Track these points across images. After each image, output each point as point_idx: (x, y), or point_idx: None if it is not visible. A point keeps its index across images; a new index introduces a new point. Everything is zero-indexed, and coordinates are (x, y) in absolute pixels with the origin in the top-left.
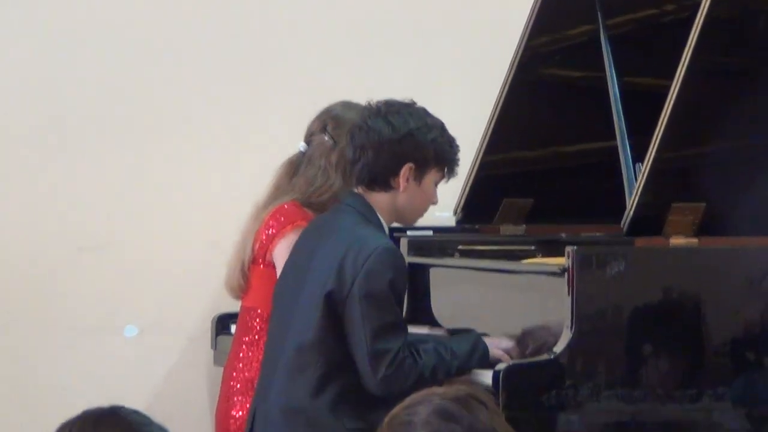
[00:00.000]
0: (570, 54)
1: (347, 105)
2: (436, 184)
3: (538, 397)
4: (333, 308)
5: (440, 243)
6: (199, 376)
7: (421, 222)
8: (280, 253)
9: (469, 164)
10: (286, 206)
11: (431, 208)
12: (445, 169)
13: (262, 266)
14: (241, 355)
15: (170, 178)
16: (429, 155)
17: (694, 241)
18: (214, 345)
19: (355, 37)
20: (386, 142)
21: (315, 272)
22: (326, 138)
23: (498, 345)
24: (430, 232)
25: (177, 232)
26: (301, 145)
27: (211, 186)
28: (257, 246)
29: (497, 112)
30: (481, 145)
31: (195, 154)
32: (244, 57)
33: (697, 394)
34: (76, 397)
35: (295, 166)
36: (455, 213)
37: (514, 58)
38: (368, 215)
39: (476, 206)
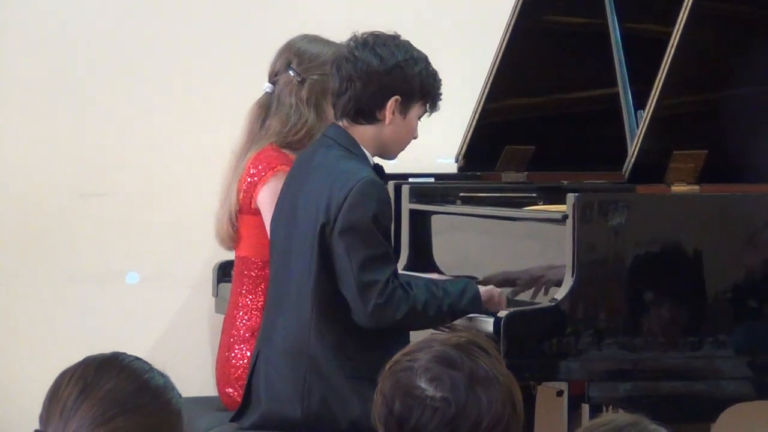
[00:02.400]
0: (571, 0)
1: (309, 38)
2: (419, 118)
3: (539, 344)
4: (324, 242)
5: (442, 190)
6: (201, 324)
7: (423, 169)
8: (264, 200)
9: (471, 111)
10: (264, 152)
11: (430, 153)
12: (428, 104)
13: (248, 215)
14: (240, 304)
15: (174, 127)
16: (415, 88)
17: (696, 188)
18: (216, 292)
19: None
20: (374, 73)
21: (304, 209)
22: (292, 75)
23: (489, 289)
24: (432, 179)
25: (179, 180)
26: (267, 86)
27: (215, 136)
28: (241, 195)
29: (498, 59)
30: (483, 92)
31: (200, 104)
32: (247, 11)
33: (698, 341)
34: (77, 344)
35: (265, 109)
36: (457, 160)
37: (516, 4)
38: (352, 148)
39: (478, 153)
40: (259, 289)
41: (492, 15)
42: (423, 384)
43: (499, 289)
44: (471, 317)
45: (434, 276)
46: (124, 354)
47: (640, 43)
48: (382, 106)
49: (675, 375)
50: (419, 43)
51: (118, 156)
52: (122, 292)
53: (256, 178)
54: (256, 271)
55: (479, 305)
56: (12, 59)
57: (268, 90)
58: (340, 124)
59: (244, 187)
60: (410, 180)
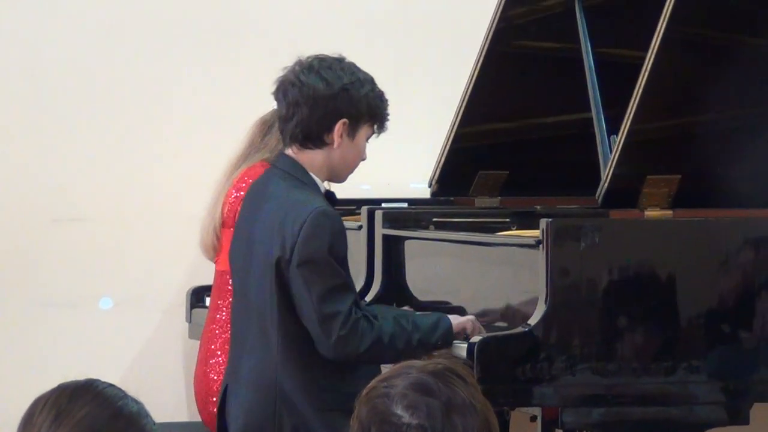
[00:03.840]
0: (545, 25)
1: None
2: (367, 140)
3: (512, 370)
4: (282, 276)
5: (415, 215)
6: (174, 349)
7: (396, 194)
8: None
9: (444, 136)
10: (253, 168)
11: (403, 178)
12: (376, 125)
13: (230, 229)
14: (217, 317)
15: (147, 152)
16: (362, 110)
17: (669, 213)
18: (189, 318)
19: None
20: (320, 97)
21: (259, 243)
22: None
23: (463, 322)
24: (405, 204)
25: (153, 205)
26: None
27: (187, 160)
28: (226, 209)
29: (472, 84)
30: (456, 117)
31: (173, 130)
32: (226, 35)
33: (671, 366)
34: (51, 370)
35: (268, 125)
36: (430, 185)
37: (489, 28)
38: (302, 177)
39: (451, 178)
40: None
41: (465, 39)
42: (399, 411)
43: (472, 319)
44: None
45: (406, 309)
46: (98, 381)
47: (614, 68)
48: (330, 129)
49: (649, 400)
50: (392, 68)
51: (91, 181)
52: (96, 318)
53: (241, 194)
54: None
55: (451, 339)
56: None
57: (275, 107)
58: (289, 151)
59: (230, 201)
60: (383, 205)
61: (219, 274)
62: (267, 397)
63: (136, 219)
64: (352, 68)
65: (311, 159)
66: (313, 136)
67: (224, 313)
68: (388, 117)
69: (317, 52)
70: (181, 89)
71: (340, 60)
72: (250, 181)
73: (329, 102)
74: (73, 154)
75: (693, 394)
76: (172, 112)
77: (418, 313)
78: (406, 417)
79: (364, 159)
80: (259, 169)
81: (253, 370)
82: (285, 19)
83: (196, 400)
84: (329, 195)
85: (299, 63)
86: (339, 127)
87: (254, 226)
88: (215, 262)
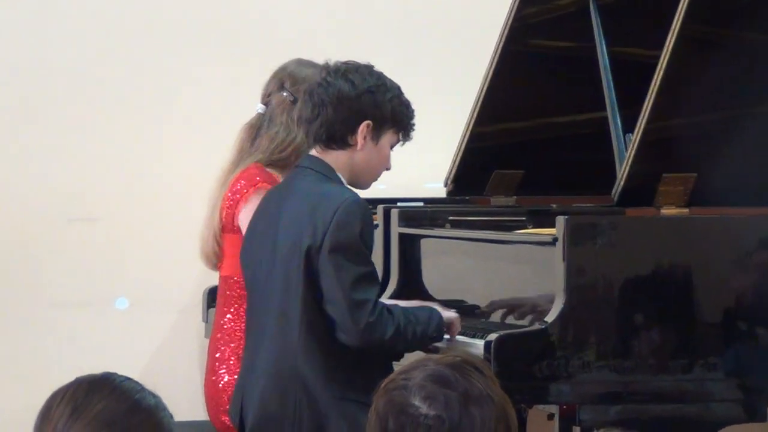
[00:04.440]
0: (559, 24)
1: (302, 62)
2: (391, 147)
3: (529, 367)
4: (311, 264)
5: (431, 213)
6: (190, 349)
7: (412, 194)
8: (245, 218)
9: (460, 136)
10: (247, 170)
11: (419, 178)
12: (401, 133)
13: (231, 233)
14: (224, 326)
15: (161, 152)
16: (386, 114)
17: (685, 210)
18: (206, 318)
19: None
20: (345, 98)
21: (285, 233)
22: (285, 95)
23: (451, 317)
24: (421, 203)
25: (168, 205)
26: (259, 107)
27: (202, 161)
28: (224, 213)
29: (487, 83)
30: (471, 117)
31: (188, 130)
32: (242, 36)
33: (688, 364)
34: (67, 370)
35: (256, 129)
36: (446, 184)
37: (504, 28)
38: (329, 174)
39: (467, 178)
40: (242, 309)
41: (480, 39)
42: (417, 402)
43: (456, 315)
44: (461, 341)
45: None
46: (116, 374)
47: (629, 67)
48: (354, 131)
49: (666, 398)
50: (406, 67)
51: (106, 182)
52: (112, 318)
53: (237, 196)
54: (238, 290)
55: (443, 331)
56: None
57: (260, 111)
58: (313, 152)
59: (227, 205)
60: (399, 204)
61: (224, 280)
62: (287, 385)
63: (152, 219)
64: (379, 75)
65: (335, 160)
66: (337, 136)
67: (232, 321)
68: (414, 126)
69: (330, 54)
70: (195, 90)
71: (369, 66)
72: (243, 183)
73: (353, 103)
74: (88, 155)
75: (710, 391)
76: (186, 113)
77: (403, 304)
78: (423, 408)
79: (388, 168)
80: (253, 170)
81: (273, 359)
82: (304, 23)
83: (208, 409)
84: None
85: (327, 66)
86: (363, 128)
87: (279, 219)
88: (219, 269)
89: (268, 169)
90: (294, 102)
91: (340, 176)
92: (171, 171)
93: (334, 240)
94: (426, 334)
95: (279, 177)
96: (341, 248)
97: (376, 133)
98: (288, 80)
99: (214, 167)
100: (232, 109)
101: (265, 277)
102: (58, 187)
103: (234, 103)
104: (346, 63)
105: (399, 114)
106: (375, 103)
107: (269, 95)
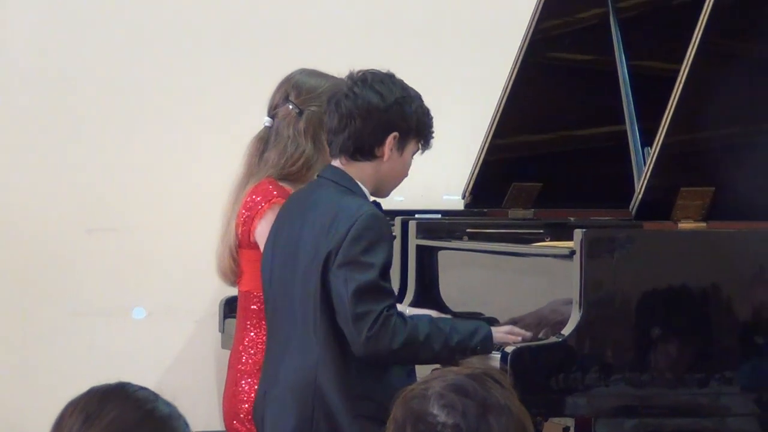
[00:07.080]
0: (579, 37)
1: (306, 72)
2: (412, 156)
3: (546, 380)
4: (327, 273)
5: (449, 225)
6: (207, 359)
7: (430, 206)
8: (262, 233)
9: (478, 148)
10: (261, 185)
11: (437, 190)
12: (422, 141)
13: (248, 249)
14: (246, 341)
15: (180, 163)
16: (412, 125)
17: (703, 225)
18: (222, 328)
19: (362, 10)
20: (374, 110)
21: (305, 245)
22: (290, 107)
23: (508, 331)
24: (439, 216)
25: (186, 215)
26: (266, 120)
27: (221, 171)
28: (240, 230)
29: (506, 96)
30: (490, 129)
31: (207, 141)
32: (264, 45)
33: (705, 378)
34: (85, 380)
35: (263, 142)
36: (464, 197)
37: (524, 40)
38: (351, 186)
39: (485, 190)
40: (263, 322)
41: (500, 51)
42: (435, 410)
43: (511, 329)
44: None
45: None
46: (130, 384)
47: (648, 80)
48: (381, 143)
49: (682, 411)
50: (426, 79)
51: (125, 192)
52: (129, 327)
53: (253, 212)
54: (258, 304)
55: (490, 346)
56: (17, 96)
57: (267, 124)
58: (336, 163)
59: (242, 221)
60: (417, 216)
61: (243, 295)
62: (306, 399)
63: (170, 229)
64: (402, 84)
65: (360, 171)
66: (365, 148)
67: (252, 334)
68: (434, 134)
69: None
70: (217, 100)
71: (391, 75)
72: (258, 198)
73: (383, 115)
74: (108, 165)
75: (726, 405)
76: (207, 123)
77: (457, 319)
78: (441, 416)
79: (406, 176)
80: (266, 185)
81: (295, 372)
82: (324, 31)
83: (225, 419)
84: (376, 205)
85: (351, 76)
86: (390, 140)
87: (301, 231)
88: (237, 284)
89: (281, 183)
90: (300, 114)
91: (363, 187)
92: (190, 182)
93: (345, 254)
94: (466, 345)
95: (292, 191)
96: (350, 262)
97: (401, 144)
98: (293, 92)
99: (233, 178)
100: (254, 121)
101: (287, 290)
102: (77, 197)
103: (257, 114)
104: (370, 72)
105: (422, 124)
106: (402, 114)
107: (275, 108)
